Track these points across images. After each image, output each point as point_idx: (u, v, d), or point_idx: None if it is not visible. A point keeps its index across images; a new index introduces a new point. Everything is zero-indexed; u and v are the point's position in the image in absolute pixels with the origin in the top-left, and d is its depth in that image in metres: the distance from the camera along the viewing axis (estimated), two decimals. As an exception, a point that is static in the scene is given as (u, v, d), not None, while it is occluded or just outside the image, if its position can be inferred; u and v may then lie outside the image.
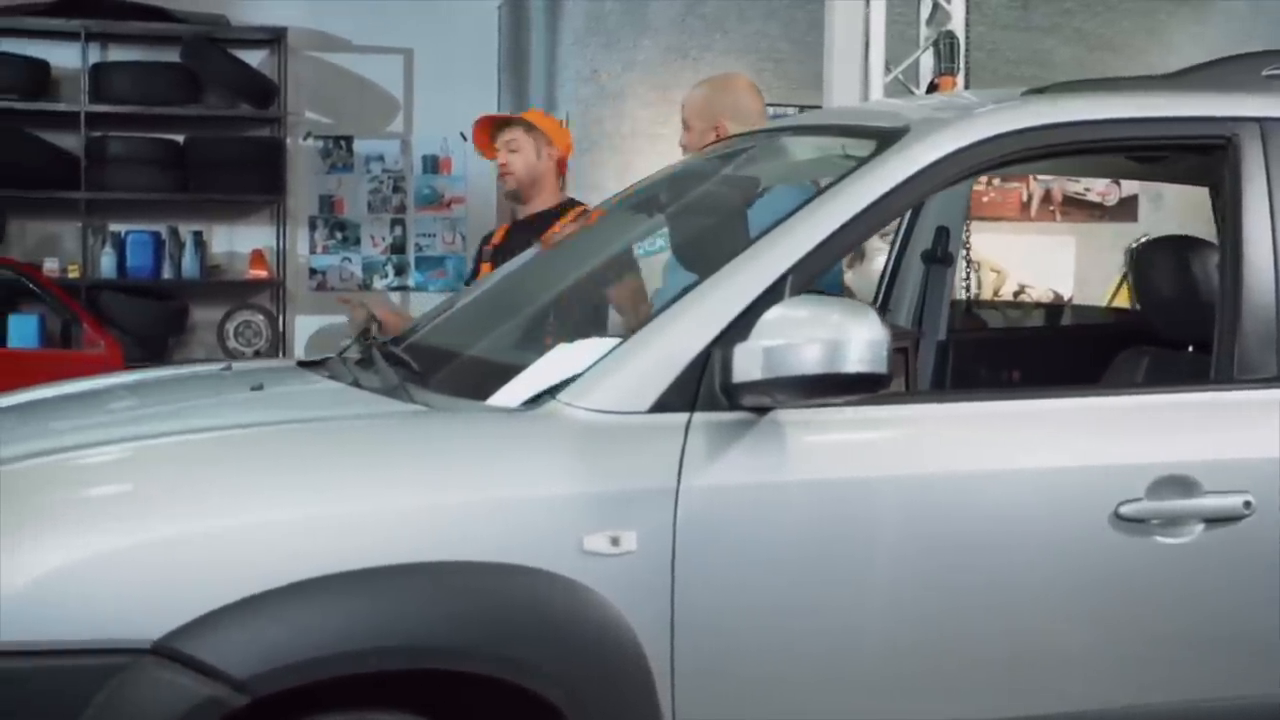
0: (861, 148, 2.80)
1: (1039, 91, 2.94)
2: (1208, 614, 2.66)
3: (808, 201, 2.66)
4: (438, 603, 2.31)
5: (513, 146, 4.93)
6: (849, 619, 2.52)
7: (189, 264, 9.41)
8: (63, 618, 2.17)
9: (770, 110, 8.12)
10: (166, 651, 2.18)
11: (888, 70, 5.22)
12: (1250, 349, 2.71)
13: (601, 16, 8.13)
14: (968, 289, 6.08)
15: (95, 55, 9.40)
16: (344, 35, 9.81)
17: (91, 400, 3.09)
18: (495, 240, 5.07)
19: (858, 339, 2.36)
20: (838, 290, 3.76)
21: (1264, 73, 2.99)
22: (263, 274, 9.58)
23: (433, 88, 9.95)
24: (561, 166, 5.04)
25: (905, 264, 3.91)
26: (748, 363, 2.42)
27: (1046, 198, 8.59)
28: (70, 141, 9.24)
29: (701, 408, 2.46)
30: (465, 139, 10.03)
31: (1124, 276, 8.33)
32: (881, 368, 2.37)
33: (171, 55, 9.33)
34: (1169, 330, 3.09)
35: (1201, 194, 3.87)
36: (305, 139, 9.77)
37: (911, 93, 5.43)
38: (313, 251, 9.82)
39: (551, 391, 2.51)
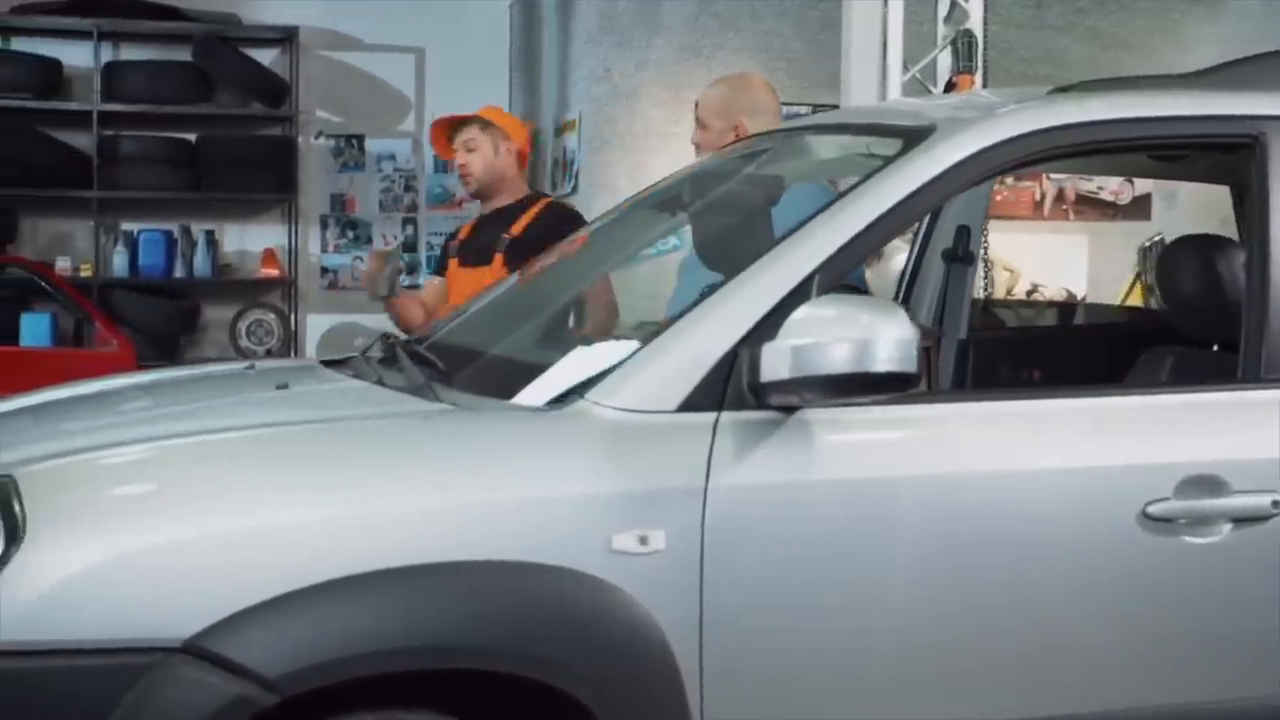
0: (886, 147, 2.80)
1: (1064, 90, 2.93)
2: (1236, 613, 2.65)
3: (834, 200, 2.65)
4: (466, 602, 2.31)
5: (470, 146, 4.90)
6: (876, 618, 2.51)
7: (201, 263, 9.42)
8: (93, 617, 2.18)
9: (783, 109, 8.15)
10: (196, 650, 2.18)
11: (905, 69, 5.20)
12: (1277, 347, 2.70)
13: (614, 15, 8.13)
14: (984, 288, 6.07)
15: (107, 54, 9.42)
16: (356, 34, 9.81)
17: (116, 399, 3.09)
18: (461, 236, 5.03)
19: (887, 338, 2.36)
20: (860, 283, 3.75)
21: (1288, 71, 2.99)
22: (274, 273, 9.59)
23: (444, 87, 9.92)
24: (522, 160, 5.01)
25: (926, 263, 3.91)
26: (776, 362, 2.41)
27: (1059, 196, 8.58)
28: (82, 140, 9.25)
29: (729, 407, 2.46)
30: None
31: (1137, 275, 8.33)
32: (911, 367, 2.37)
33: (183, 54, 9.34)
34: (1194, 329, 3.08)
35: (1215, 192, 3.86)
36: (317, 138, 9.77)
37: (929, 92, 5.42)
38: (324, 250, 9.82)
39: (579, 390, 2.50)
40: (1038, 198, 8.53)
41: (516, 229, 4.77)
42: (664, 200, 3.43)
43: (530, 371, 2.67)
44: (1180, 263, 3.10)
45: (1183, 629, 2.64)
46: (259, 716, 2.21)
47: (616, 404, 2.46)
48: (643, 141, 8.13)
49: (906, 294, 3.94)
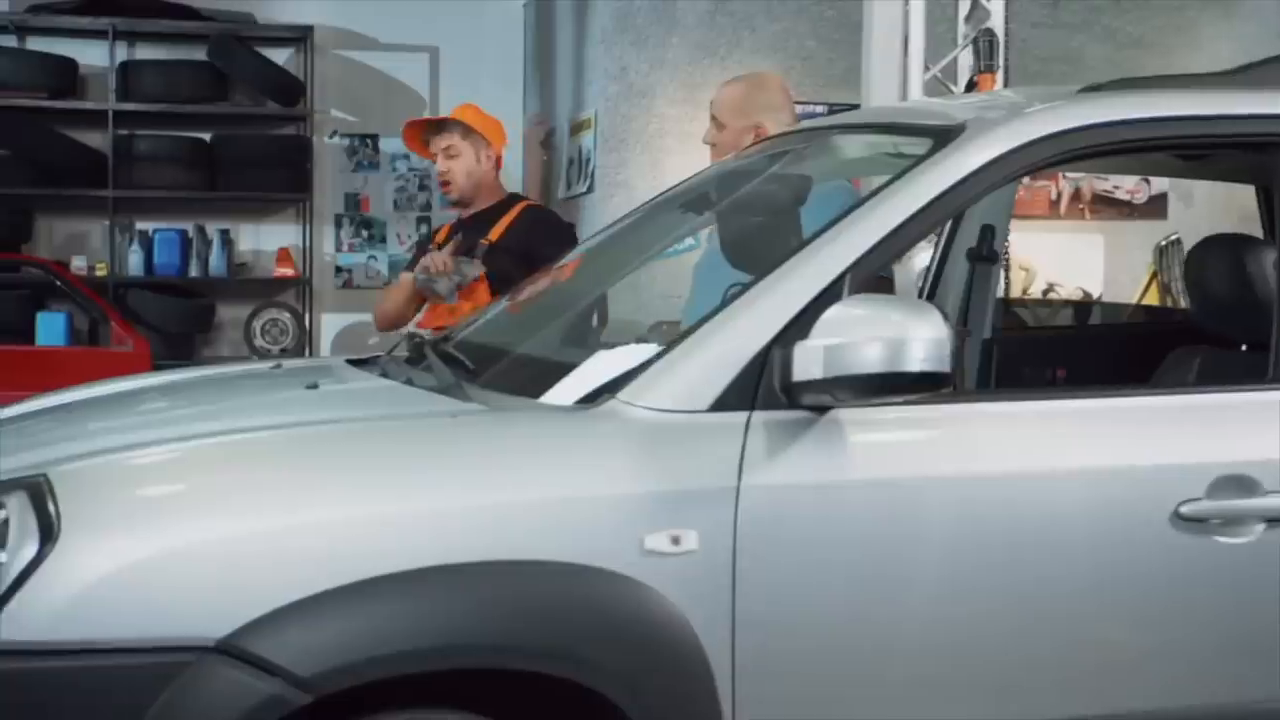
0: (916, 146, 2.79)
1: (1094, 89, 2.92)
2: (1268, 613, 2.64)
3: (865, 199, 2.65)
4: (500, 602, 2.31)
5: (451, 153, 4.81)
6: (909, 618, 2.51)
7: (216, 262, 9.43)
8: (127, 616, 2.18)
9: (800, 108, 8.14)
10: (231, 650, 2.18)
11: (925, 69, 5.20)
12: (1309, 347, 2.70)
13: (630, 14, 8.12)
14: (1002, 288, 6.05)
15: (123, 53, 9.43)
16: (370, 33, 9.81)
17: (145, 399, 3.10)
18: (439, 239, 4.96)
19: (921, 338, 2.36)
20: (888, 272, 3.75)
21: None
22: (289, 272, 9.59)
23: (458, 86, 9.91)
24: (499, 162, 4.96)
25: (950, 262, 3.90)
26: (808, 361, 2.41)
27: (1076, 196, 8.56)
28: (98, 140, 9.27)
29: (761, 406, 2.46)
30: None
31: (1154, 274, 8.31)
32: (945, 367, 2.37)
33: (198, 53, 9.34)
34: (1224, 329, 3.08)
35: (1232, 191, 3.84)
36: (331, 137, 9.78)
37: (950, 91, 5.41)
38: (339, 249, 9.82)
39: (611, 390, 2.50)
40: (1054, 197, 8.51)
41: (494, 234, 4.73)
42: (691, 199, 3.43)
43: (560, 371, 2.67)
44: (1209, 262, 3.09)
45: (1215, 629, 2.64)
46: (292, 716, 2.22)
47: (648, 403, 2.46)
48: (658, 141, 8.12)
49: (930, 293, 3.94)
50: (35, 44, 9.35)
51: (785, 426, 2.46)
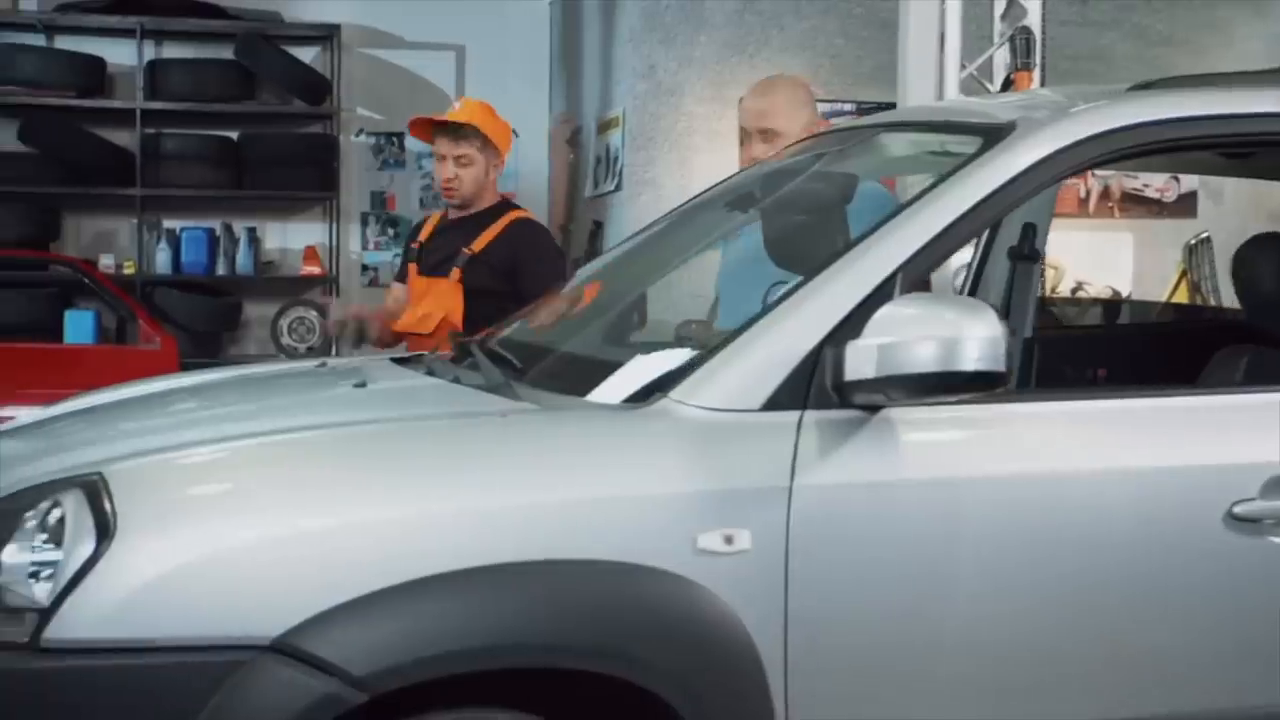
0: (965, 144, 2.78)
1: (1144, 87, 2.91)
2: (1322, 614, 2.63)
3: (916, 198, 2.64)
4: (554, 601, 2.31)
5: (464, 161, 4.65)
6: (960, 617, 2.50)
7: (243, 260, 9.45)
8: (182, 615, 2.18)
9: (827, 107, 8.14)
10: (285, 648, 2.18)
11: (962, 67, 5.17)
12: (1362, 346, 2.68)
13: (658, 13, 8.12)
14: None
15: (150, 52, 9.46)
16: (396, 32, 9.82)
17: (193, 398, 3.10)
18: (423, 237, 4.87)
19: (976, 336, 2.35)
20: None
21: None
22: (316, 270, 9.61)
23: (484, 84, 9.92)
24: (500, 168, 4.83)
25: (991, 261, 3.89)
26: (860, 361, 2.40)
27: (1105, 194, 8.53)
28: (125, 138, 9.30)
29: (813, 406, 2.45)
30: (517, 135, 10.05)
31: (1183, 273, 8.28)
32: (1000, 366, 2.36)
33: (226, 52, 9.36)
34: (1275, 326, 3.06)
35: (1261, 190, 3.81)
36: (357, 135, 9.79)
37: (986, 89, 5.39)
38: (365, 248, 9.83)
39: (662, 389, 2.49)
40: (1083, 195, 8.48)
41: (478, 245, 4.61)
42: (736, 198, 3.42)
43: (609, 370, 2.67)
44: (1259, 261, 3.07)
45: (1269, 629, 2.62)
46: (345, 715, 2.22)
47: (700, 402, 2.45)
48: (686, 139, 8.12)
49: (971, 292, 3.93)
50: (63, 43, 9.38)
51: (837, 426, 2.45)
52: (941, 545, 2.49)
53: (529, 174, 9.98)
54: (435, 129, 4.74)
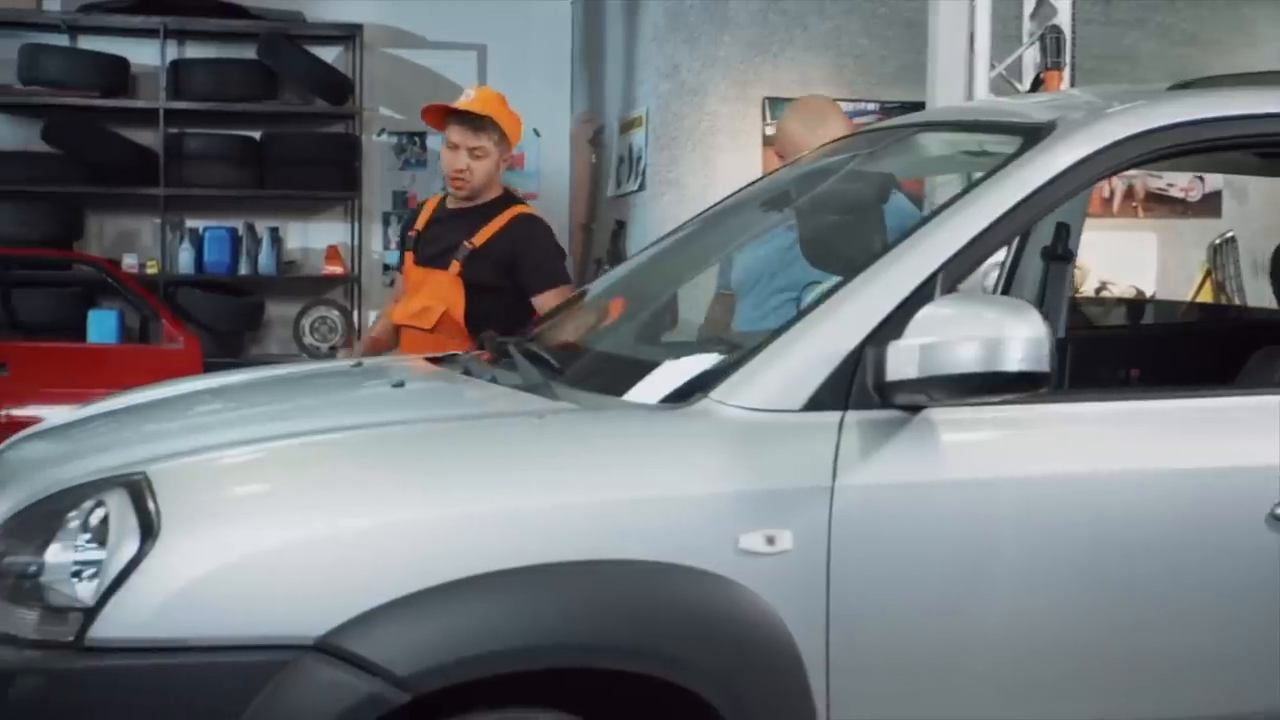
0: (1004, 144, 2.77)
1: (1184, 86, 2.90)
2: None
3: (957, 198, 2.63)
4: (596, 601, 2.31)
5: (479, 153, 4.54)
6: (1002, 618, 2.50)
7: (265, 260, 9.47)
8: (226, 615, 2.18)
9: (850, 106, 8.13)
10: (329, 648, 2.18)
11: (991, 66, 5.16)
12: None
13: (682, 12, 8.11)
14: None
15: (173, 52, 9.49)
16: (418, 32, 9.83)
17: (231, 397, 3.10)
18: (420, 225, 4.75)
19: (1019, 337, 2.34)
20: None
21: None
22: (338, 270, 9.62)
23: (506, 84, 9.83)
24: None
25: (1024, 261, 3.88)
26: (902, 361, 2.40)
27: (1129, 194, 8.51)
28: (149, 138, 9.33)
29: (854, 406, 2.45)
30: (538, 135, 10.07)
31: (1208, 273, 8.25)
32: (1044, 366, 2.35)
33: (248, 52, 9.38)
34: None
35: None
36: (379, 135, 9.80)
37: (1016, 89, 5.37)
38: (387, 247, 9.83)
39: (703, 389, 2.49)
40: (1107, 195, 8.45)
41: (479, 239, 4.51)
42: (771, 197, 3.41)
43: (647, 370, 2.67)
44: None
45: None
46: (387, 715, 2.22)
47: (741, 402, 2.45)
48: (710, 139, 8.11)
49: (1004, 292, 3.92)
50: (87, 43, 9.41)
51: (878, 426, 2.45)
52: (983, 545, 2.49)
53: (551, 173, 9.99)
54: (451, 117, 4.63)
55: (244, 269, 9.46)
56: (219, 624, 2.18)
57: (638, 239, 8.28)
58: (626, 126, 8.75)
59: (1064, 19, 5.26)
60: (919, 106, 7.34)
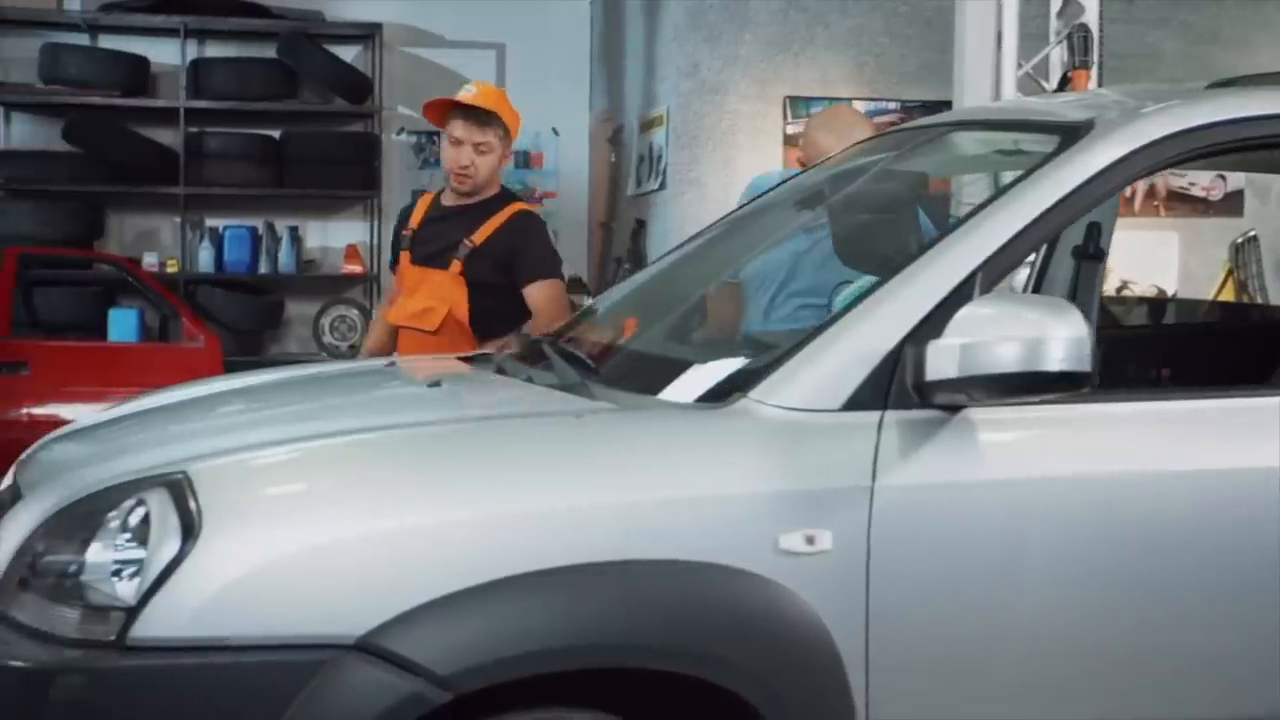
0: (1041, 143, 2.76)
1: (1223, 85, 2.88)
2: None
3: (996, 196, 2.62)
4: (636, 601, 2.31)
5: (484, 149, 4.46)
6: (1042, 618, 2.49)
7: (285, 259, 9.48)
8: (267, 614, 2.18)
9: (871, 105, 8.12)
10: (370, 648, 2.18)
11: (1018, 66, 5.14)
12: None
13: (703, 11, 8.11)
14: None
15: (194, 51, 9.51)
16: (437, 31, 9.85)
17: (267, 396, 3.10)
18: (414, 224, 4.63)
19: (1060, 337, 2.33)
20: None
21: None
22: (357, 269, 9.63)
23: (525, 83, 9.92)
24: None
25: (1055, 259, 3.86)
26: (942, 360, 2.39)
27: (1150, 193, 8.49)
28: (169, 137, 9.35)
29: (893, 406, 2.44)
30: (557, 134, 10.07)
31: (1229, 271, 8.23)
32: (1086, 366, 2.34)
33: (268, 51, 9.40)
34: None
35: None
36: (399, 134, 9.81)
37: (1043, 88, 5.36)
38: (406, 246, 9.83)
39: (741, 388, 2.48)
40: (1128, 194, 8.43)
41: (479, 237, 4.43)
42: (805, 196, 3.40)
43: (683, 369, 2.66)
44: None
45: None
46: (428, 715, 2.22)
47: (781, 402, 2.44)
48: (731, 137, 8.11)
49: (1034, 291, 3.90)
50: (107, 42, 9.44)
51: (918, 426, 2.44)
52: (1023, 545, 2.48)
53: (569, 172, 10.00)
54: (456, 112, 4.55)
55: (264, 268, 9.47)
56: (260, 623, 2.17)
57: (658, 238, 8.28)
58: (647, 125, 8.75)
59: (1091, 17, 5.24)
60: (940, 105, 7.35)
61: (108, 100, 9.16)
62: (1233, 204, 8.58)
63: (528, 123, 10.21)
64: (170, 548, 2.19)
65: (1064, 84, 5.20)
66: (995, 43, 5.04)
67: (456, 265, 4.42)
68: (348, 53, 9.65)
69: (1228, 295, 8.12)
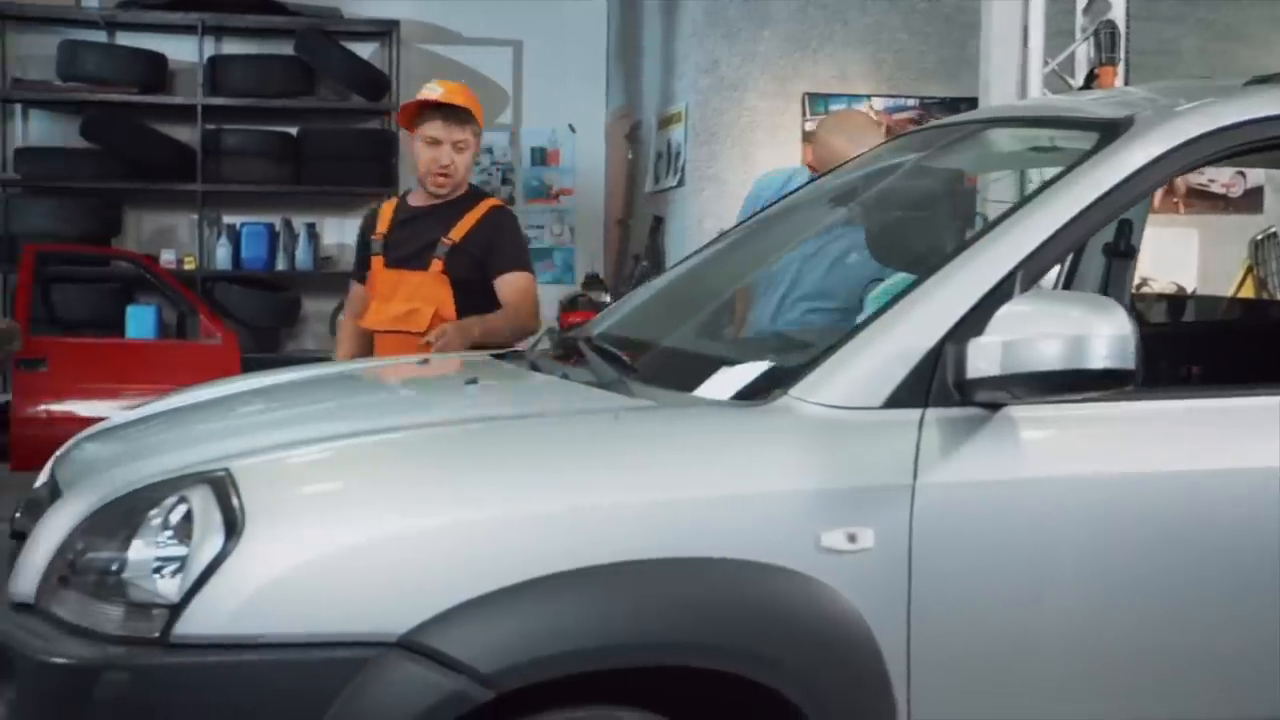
0: (1080, 140, 2.75)
1: (1262, 81, 2.87)
2: None
3: (1036, 193, 2.61)
4: (675, 598, 2.30)
5: (461, 147, 4.44)
6: (1084, 616, 2.48)
7: (302, 255, 9.50)
8: (310, 611, 2.17)
9: (890, 102, 8.11)
10: (413, 645, 2.18)
11: (1045, 62, 5.12)
12: None
13: (721, 8, 8.11)
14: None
15: (211, 49, 9.52)
16: (454, 28, 9.86)
17: (303, 393, 3.09)
18: (381, 229, 4.56)
19: (1104, 334, 2.32)
20: None
21: None
22: (374, 265, 9.61)
23: (541, 80, 9.97)
24: None
25: (1085, 257, 3.85)
26: (983, 358, 2.38)
27: (1170, 190, 8.47)
28: (186, 134, 9.37)
29: (934, 403, 2.43)
30: (574, 131, 10.08)
31: (1249, 268, 8.21)
32: (1130, 364, 2.33)
33: (286, 48, 9.42)
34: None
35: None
36: (415, 131, 9.79)
37: (1069, 85, 5.34)
38: (422, 244, 9.84)
39: (782, 386, 2.48)
40: (1148, 191, 8.41)
41: (457, 234, 4.40)
42: (838, 193, 3.39)
43: (721, 366, 2.66)
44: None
45: None
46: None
47: (821, 400, 2.44)
48: (749, 134, 8.11)
49: (1065, 288, 3.89)
50: (125, 40, 9.46)
51: (959, 423, 2.44)
52: (1065, 542, 2.47)
53: (586, 169, 10.00)
54: (432, 111, 4.51)
55: (281, 264, 9.48)
56: (302, 621, 2.17)
57: (677, 234, 8.27)
58: (665, 122, 8.74)
59: (1118, 14, 5.22)
60: (959, 101, 7.34)
61: (125, 97, 9.18)
62: (1253, 201, 8.56)
63: (541, 120, 10.30)
64: (213, 545, 2.19)
65: (1090, 80, 5.19)
66: (1021, 39, 5.03)
67: (438, 264, 4.39)
68: (365, 49, 9.66)
69: (1247, 292, 8.10)
